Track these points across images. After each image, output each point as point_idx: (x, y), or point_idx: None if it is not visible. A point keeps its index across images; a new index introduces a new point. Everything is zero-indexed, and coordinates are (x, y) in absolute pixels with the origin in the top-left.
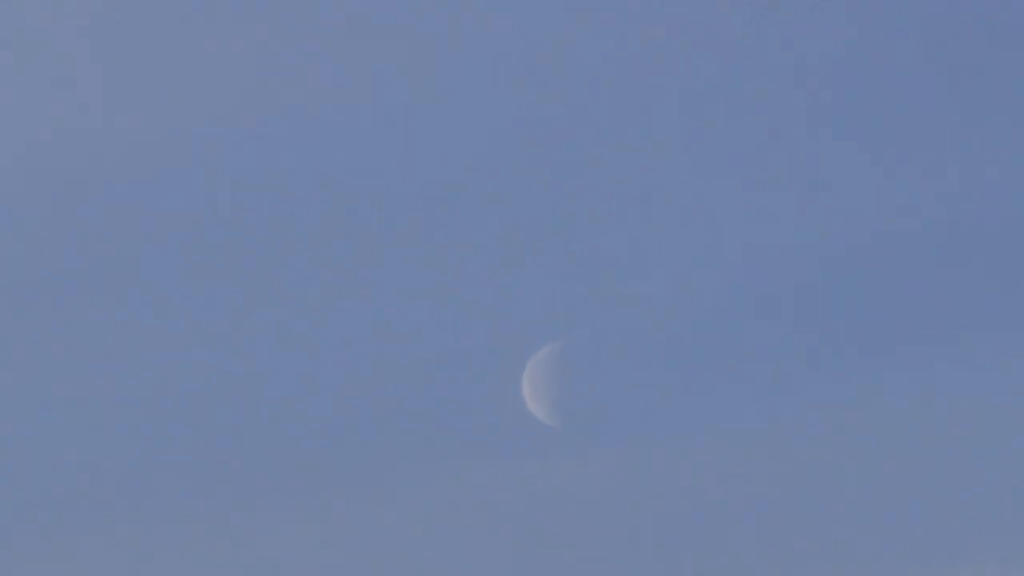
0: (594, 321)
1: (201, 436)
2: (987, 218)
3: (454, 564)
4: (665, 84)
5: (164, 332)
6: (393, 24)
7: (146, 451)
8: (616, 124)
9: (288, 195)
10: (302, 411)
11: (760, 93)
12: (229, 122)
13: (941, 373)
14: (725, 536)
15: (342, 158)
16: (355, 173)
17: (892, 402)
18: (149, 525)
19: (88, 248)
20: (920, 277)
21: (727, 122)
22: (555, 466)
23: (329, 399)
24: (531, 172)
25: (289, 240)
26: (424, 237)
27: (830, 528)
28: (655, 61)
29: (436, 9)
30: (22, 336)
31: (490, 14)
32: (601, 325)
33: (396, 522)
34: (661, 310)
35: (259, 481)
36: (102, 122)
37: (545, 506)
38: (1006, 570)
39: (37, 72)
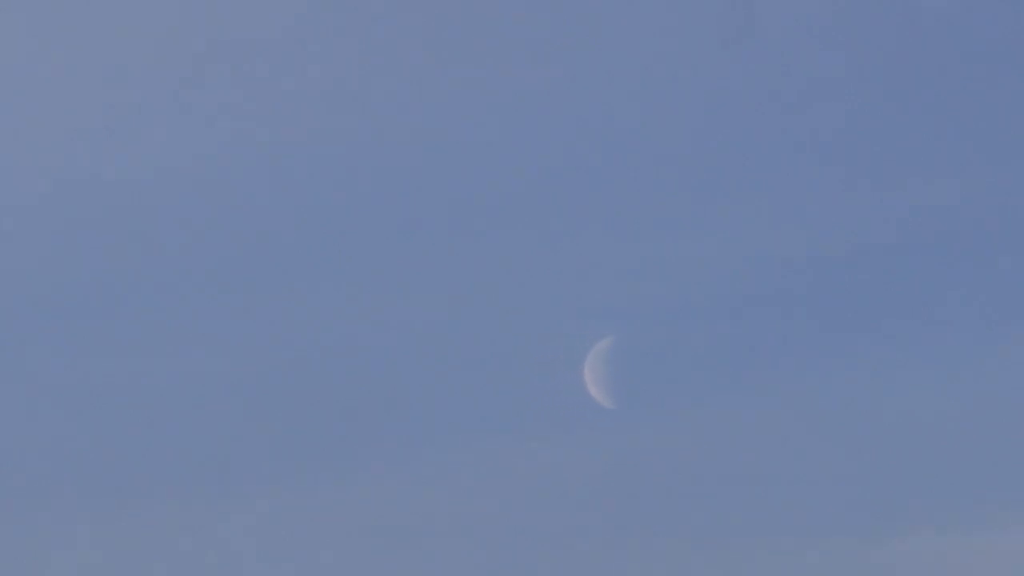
0: (643, 321)
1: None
2: (949, 227)
3: (526, 525)
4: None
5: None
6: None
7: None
8: (637, 153)
9: (387, 204)
10: (398, 389)
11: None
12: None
13: (911, 353)
14: (750, 498)
15: (438, 171)
16: (453, 185)
17: (876, 380)
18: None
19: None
20: (893, 276)
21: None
22: (610, 439)
23: (430, 379)
24: (589, 207)
25: (382, 242)
26: (515, 249)
27: (837, 483)
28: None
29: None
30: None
31: (513, 52)
32: (649, 324)
33: (477, 486)
34: (697, 314)
35: (352, 444)
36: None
37: (602, 472)
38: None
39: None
